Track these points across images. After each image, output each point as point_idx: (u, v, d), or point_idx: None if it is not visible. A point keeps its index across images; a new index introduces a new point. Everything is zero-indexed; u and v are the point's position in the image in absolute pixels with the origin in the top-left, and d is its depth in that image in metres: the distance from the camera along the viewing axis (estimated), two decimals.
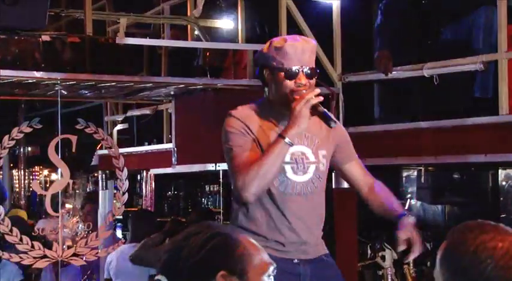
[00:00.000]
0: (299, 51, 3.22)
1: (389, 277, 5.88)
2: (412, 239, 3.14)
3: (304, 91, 3.17)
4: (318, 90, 3.19)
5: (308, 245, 3.29)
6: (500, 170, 6.43)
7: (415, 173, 6.98)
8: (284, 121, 3.20)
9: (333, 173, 5.19)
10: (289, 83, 3.20)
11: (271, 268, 1.93)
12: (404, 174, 7.11)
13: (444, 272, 1.70)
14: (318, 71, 3.29)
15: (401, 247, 3.15)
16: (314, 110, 3.12)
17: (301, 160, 3.31)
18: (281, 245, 3.27)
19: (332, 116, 3.26)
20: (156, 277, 1.92)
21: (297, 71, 3.19)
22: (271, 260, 1.89)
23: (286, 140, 3.11)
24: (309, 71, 3.21)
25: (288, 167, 3.28)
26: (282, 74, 3.20)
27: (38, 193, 7.62)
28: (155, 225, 6.87)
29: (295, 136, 3.18)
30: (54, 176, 6.48)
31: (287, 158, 3.26)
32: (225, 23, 6.17)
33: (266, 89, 3.33)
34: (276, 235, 3.27)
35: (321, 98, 3.16)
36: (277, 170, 3.17)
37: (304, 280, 3.25)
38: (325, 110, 3.22)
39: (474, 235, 1.69)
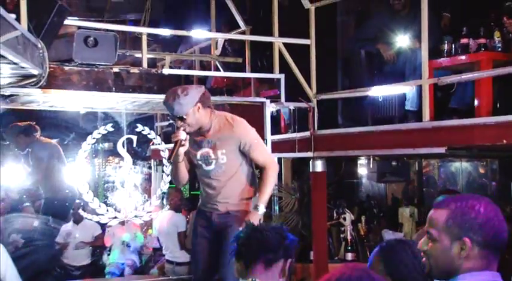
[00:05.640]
0: (167, 108, 3.50)
1: (349, 232, 5.88)
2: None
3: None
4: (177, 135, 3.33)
5: (218, 204, 3.51)
6: (423, 159, 6.49)
7: (366, 161, 6.99)
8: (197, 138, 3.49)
9: (310, 161, 5.23)
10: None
11: None
12: (359, 162, 7.12)
13: None
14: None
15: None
16: (175, 144, 3.32)
17: (206, 157, 3.49)
18: (206, 204, 3.58)
19: (174, 151, 3.34)
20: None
21: (173, 118, 3.47)
22: None
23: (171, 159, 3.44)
24: (178, 117, 3.35)
25: (200, 162, 3.52)
26: None
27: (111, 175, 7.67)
28: (183, 198, 7.02)
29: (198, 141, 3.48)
30: (122, 163, 6.46)
31: (198, 157, 3.51)
32: (237, 59, 6.17)
33: None
34: (203, 199, 3.62)
35: (179, 136, 3.31)
36: (178, 175, 3.52)
37: (212, 223, 3.52)
38: (180, 138, 3.31)
39: None
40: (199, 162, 3.52)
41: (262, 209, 3.41)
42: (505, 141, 3.77)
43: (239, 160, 3.50)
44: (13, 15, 3.19)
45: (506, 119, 3.81)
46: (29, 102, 4.80)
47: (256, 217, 3.30)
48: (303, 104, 5.17)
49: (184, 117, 3.31)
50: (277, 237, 2.22)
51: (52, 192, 5.60)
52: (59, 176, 5.71)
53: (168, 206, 6.71)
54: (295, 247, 2.28)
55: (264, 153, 3.59)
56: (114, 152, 7.09)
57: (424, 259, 1.73)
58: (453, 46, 4.49)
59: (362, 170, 7.24)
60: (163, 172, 6.44)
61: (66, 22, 4.03)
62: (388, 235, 5.91)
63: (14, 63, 2.99)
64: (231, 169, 3.48)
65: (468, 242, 1.61)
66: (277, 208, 5.67)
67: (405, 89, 4.68)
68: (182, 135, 3.30)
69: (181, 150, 3.35)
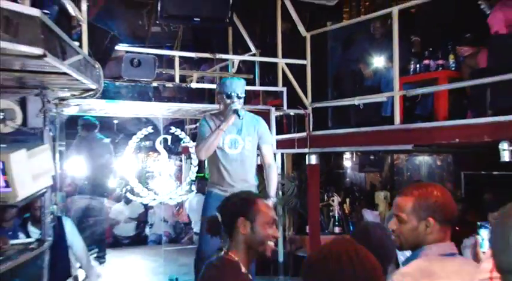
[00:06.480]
0: (233, 84, 3.27)
1: (336, 211, 5.87)
2: None
3: (233, 104, 3.24)
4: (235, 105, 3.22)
5: (235, 185, 3.24)
6: (394, 154, 6.46)
7: (350, 155, 6.99)
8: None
9: (307, 156, 5.20)
10: (228, 101, 3.25)
11: (273, 220, 1.82)
12: (344, 156, 7.07)
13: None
14: (245, 95, 3.31)
15: None
16: (233, 112, 3.20)
17: (234, 142, 3.31)
18: (224, 187, 3.27)
19: (242, 111, 3.25)
20: (216, 213, 1.85)
21: (230, 93, 3.24)
22: (272, 214, 1.83)
23: (222, 127, 3.20)
24: (237, 93, 3.24)
25: (226, 146, 3.30)
26: (224, 95, 3.25)
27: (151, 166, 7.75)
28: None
29: (228, 127, 3.22)
30: (159, 157, 6.55)
31: (227, 141, 3.30)
32: (249, 75, 6.20)
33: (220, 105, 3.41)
34: (222, 182, 3.29)
35: (238, 106, 3.21)
36: (214, 144, 3.20)
37: None
38: (238, 108, 3.21)
39: None
40: (226, 145, 3.29)
41: (274, 198, 3.26)
42: (457, 140, 3.78)
43: (255, 150, 3.38)
44: (77, 43, 3.26)
45: (458, 122, 3.84)
46: (89, 110, 4.86)
47: (270, 204, 3.19)
48: (301, 111, 5.18)
49: (242, 96, 3.27)
50: (211, 219, 1.89)
51: (98, 176, 5.65)
52: (106, 166, 5.78)
53: (196, 190, 6.79)
54: (232, 204, 1.84)
55: (272, 151, 3.44)
56: (153, 148, 7.15)
57: (393, 236, 1.73)
58: (418, 66, 4.50)
59: (347, 163, 7.21)
60: (191, 164, 6.53)
61: (116, 48, 4.06)
62: (367, 213, 5.91)
63: (77, 80, 3.02)
64: (250, 154, 3.34)
65: (432, 221, 1.64)
66: (280, 192, 5.69)
67: (381, 99, 4.67)
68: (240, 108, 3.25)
69: (232, 119, 3.22)
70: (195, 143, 3.49)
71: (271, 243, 1.78)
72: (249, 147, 3.33)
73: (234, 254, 1.74)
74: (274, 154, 5.35)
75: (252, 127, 3.36)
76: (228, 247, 1.78)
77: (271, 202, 3.12)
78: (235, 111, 3.21)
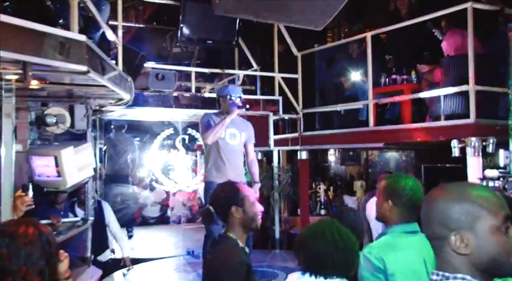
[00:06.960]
0: (234, 88, 3.38)
1: (322, 197, 5.90)
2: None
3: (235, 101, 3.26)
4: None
5: (232, 173, 3.21)
6: (369, 151, 6.50)
7: (333, 152, 7.03)
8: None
9: (298, 152, 5.20)
10: (229, 101, 3.30)
11: (255, 199, 1.78)
12: (329, 152, 7.08)
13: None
14: (243, 100, 3.32)
15: None
16: (238, 107, 3.25)
17: (233, 135, 3.33)
18: (220, 175, 3.21)
19: (245, 107, 3.30)
20: (208, 206, 1.82)
21: (231, 94, 3.30)
22: (253, 194, 1.79)
23: (227, 119, 3.22)
24: (236, 95, 3.30)
25: (227, 137, 3.31)
26: (226, 97, 3.30)
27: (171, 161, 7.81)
28: None
29: (228, 123, 3.23)
30: (178, 153, 6.60)
31: (227, 133, 3.30)
32: (251, 86, 6.26)
33: (221, 106, 3.36)
34: (220, 171, 3.27)
35: (240, 103, 3.23)
36: (220, 131, 3.20)
37: None
38: (241, 105, 3.24)
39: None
40: (227, 136, 3.30)
41: (259, 183, 3.36)
42: (419, 139, 3.85)
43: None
44: (113, 61, 3.35)
45: (419, 125, 3.91)
46: (123, 115, 4.87)
47: (257, 188, 3.27)
48: (293, 115, 5.21)
49: (242, 97, 3.37)
50: (206, 211, 1.84)
51: (126, 168, 5.73)
52: (133, 159, 5.87)
53: None
54: (221, 198, 1.78)
55: (253, 149, 3.49)
56: (173, 146, 7.20)
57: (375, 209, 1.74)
58: (387, 79, 4.55)
59: (331, 158, 7.22)
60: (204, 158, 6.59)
61: (145, 65, 4.12)
62: (347, 198, 5.97)
63: (113, 91, 3.05)
64: (242, 147, 3.40)
65: (390, 203, 1.66)
66: (277, 182, 5.75)
67: (358, 106, 4.69)
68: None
69: (236, 112, 3.27)
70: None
71: (259, 217, 1.79)
72: (243, 140, 3.39)
73: (232, 233, 1.75)
74: (272, 151, 5.50)
75: (245, 127, 3.46)
76: (226, 229, 1.77)
77: (257, 186, 3.27)
78: (239, 107, 3.28)
